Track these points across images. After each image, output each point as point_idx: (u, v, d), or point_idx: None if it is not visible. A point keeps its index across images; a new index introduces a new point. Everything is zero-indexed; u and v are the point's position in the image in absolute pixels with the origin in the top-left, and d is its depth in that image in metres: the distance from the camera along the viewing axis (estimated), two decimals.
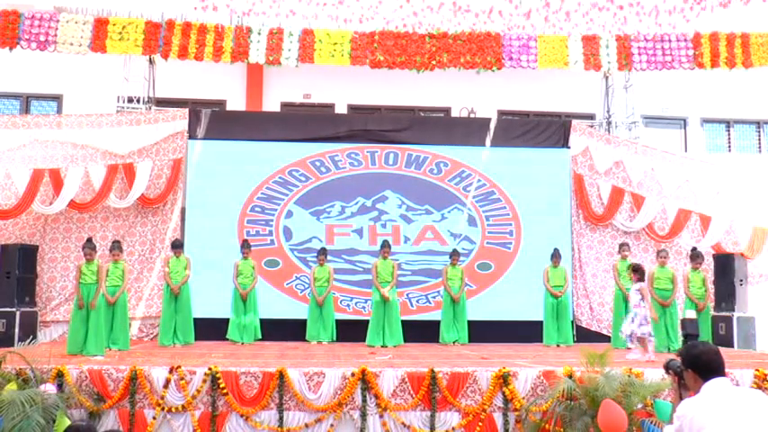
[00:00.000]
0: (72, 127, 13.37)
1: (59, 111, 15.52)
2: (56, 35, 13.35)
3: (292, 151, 14.00)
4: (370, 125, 14.47)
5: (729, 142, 17.46)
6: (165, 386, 7.55)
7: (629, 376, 7.38)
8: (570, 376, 7.47)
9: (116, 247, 11.05)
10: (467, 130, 14.55)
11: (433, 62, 13.94)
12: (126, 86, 14.37)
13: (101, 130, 13.44)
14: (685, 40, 14.37)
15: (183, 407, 7.51)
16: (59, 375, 7.45)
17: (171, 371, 7.61)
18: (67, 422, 6.90)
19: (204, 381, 7.56)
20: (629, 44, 14.31)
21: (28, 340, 9.00)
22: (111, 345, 10.53)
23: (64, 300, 13.06)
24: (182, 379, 7.56)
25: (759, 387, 7.80)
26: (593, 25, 14.29)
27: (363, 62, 13.89)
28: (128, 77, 14.38)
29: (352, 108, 16.28)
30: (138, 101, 14.46)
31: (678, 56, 14.35)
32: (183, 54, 13.71)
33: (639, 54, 14.32)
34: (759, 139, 17.55)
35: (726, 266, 13.42)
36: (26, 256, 12.60)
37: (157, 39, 13.59)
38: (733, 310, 12.95)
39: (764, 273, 14.27)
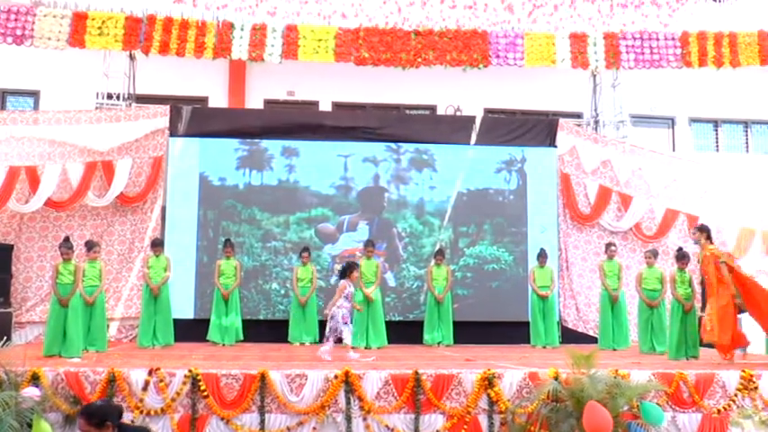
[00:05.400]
0: (49, 123, 13.27)
1: (36, 107, 15.45)
2: (32, 29, 13.25)
3: (276, 149, 13.95)
4: (354, 123, 14.43)
5: (717, 142, 17.60)
6: (144, 388, 7.49)
7: (615, 378, 7.40)
8: (556, 378, 7.48)
9: (93, 245, 10.96)
10: (452, 129, 14.53)
11: (419, 59, 13.93)
12: (105, 83, 14.33)
13: (79, 127, 13.34)
14: (673, 39, 14.44)
15: (162, 410, 7.45)
16: (35, 378, 7.38)
17: (150, 373, 7.56)
18: (45, 426, 6.85)
19: (184, 383, 7.51)
20: (616, 42, 14.36)
21: (2, 342, 8.88)
22: (89, 346, 10.43)
23: (40, 300, 12.95)
24: (161, 381, 7.51)
25: (745, 388, 7.86)
26: (578, 20, 14.32)
27: (348, 59, 13.88)
28: (107, 73, 14.35)
29: (336, 105, 16.28)
30: (117, 97, 14.40)
31: (666, 54, 14.41)
32: (164, 50, 13.65)
33: (627, 52, 14.37)
34: (746, 139, 17.69)
35: None
36: (1, 256, 12.53)
37: (138, 34, 13.52)
38: None
39: (752, 273, 14.34)
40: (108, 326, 11.79)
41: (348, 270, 10.18)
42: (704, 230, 10.23)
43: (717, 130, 17.60)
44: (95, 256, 10.86)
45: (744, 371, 7.99)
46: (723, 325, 9.62)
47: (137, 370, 7.62)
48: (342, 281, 10.13)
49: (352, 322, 10.38)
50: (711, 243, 10.17)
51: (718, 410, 7.82)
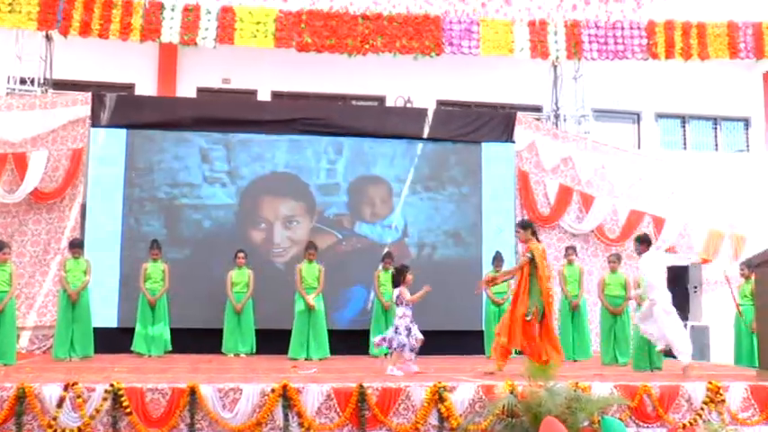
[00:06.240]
0: None
1: None
2: None
3: (208, 142, 13.80)
4: (295, 114, 14.32)
5: (685, 139, 17.92)
6: (59, 405, 7.32)
7: (574, 391, 7.45)
8: (512, 391, 7.51)
9: (2, 246, 10.73)
10: (402, 121, 14.53)
11: (366, 46, 13.97)
12: (18, 66, 14.12)
13: None
14: (639, 29, 14.69)
15: (79, 429, 7.29)
16: None
17: (66, 388, 7.40)
18: None
19: (104, 399, 7.36)
20: (578, 31, 14.55)
21: None
22: None
23: None
24: (78, 397, 7.35)
25: (712, 401, 7.98)
26: (537, 12, 14.47)
27: (289, 44, 13.86)
28: (20, 56, 14.14)
29: (276, 95, 16.23)
30: (32, 82, 14.21)
31: (631, 45, 14.65)
32: (85, 31, 13.52)
33: (590, 42, 14.58)
34: (715, 137, 18.05)
35: (679, 272, 13.74)
36: None
37: (55, 12, 13.36)
38: (686, 319, 13.27)
39: (720, 279, 14.63)
40: (18, 336, 11.65)
41: (401, 275, 10.02)
42: (528, 227, 10.02)
43: (685, 127, 17.94)
44: (5, 259, 10.66)
45: (710, 382, 8.12)
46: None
47: (50, 385, 7.45)
48: (397, 289, 9.96)
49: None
50: (538, 240, 9.99)
51: (684, 425, 7.93)
